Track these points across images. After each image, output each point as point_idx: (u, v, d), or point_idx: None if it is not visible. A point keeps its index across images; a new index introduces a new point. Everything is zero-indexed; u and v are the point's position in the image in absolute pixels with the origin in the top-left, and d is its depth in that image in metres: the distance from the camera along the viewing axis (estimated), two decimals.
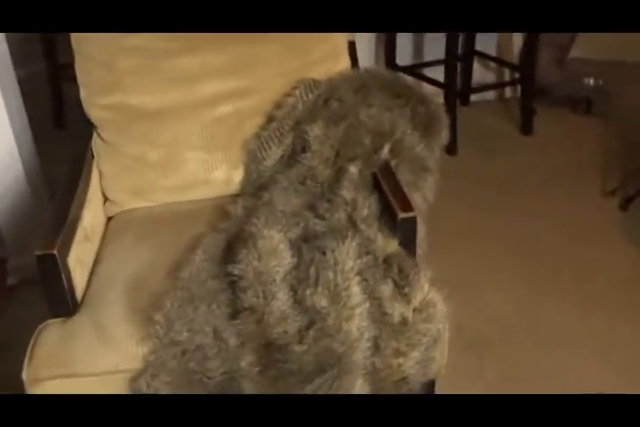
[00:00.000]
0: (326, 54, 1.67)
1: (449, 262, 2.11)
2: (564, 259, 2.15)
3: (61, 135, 2.69)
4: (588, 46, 2.92)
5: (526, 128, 2.90)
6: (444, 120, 1.73)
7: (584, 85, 3.00)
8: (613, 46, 2.74)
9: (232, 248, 1.33)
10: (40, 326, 1.23)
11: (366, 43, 2.82)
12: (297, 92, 1.56)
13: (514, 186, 2.54)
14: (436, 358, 1.27)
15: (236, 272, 1.22)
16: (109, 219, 1.55)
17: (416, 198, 1.53)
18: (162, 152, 1.54)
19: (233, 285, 1.23)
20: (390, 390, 1.21)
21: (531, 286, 2.05)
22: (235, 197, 1.60)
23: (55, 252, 1.18)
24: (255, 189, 1.56)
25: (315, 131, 1.51)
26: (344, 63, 1.69)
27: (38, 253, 1.17)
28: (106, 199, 1.56)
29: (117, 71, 1.50)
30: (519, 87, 2.97)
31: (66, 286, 1.21)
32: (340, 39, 1.69)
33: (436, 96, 2.79)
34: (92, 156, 1.55)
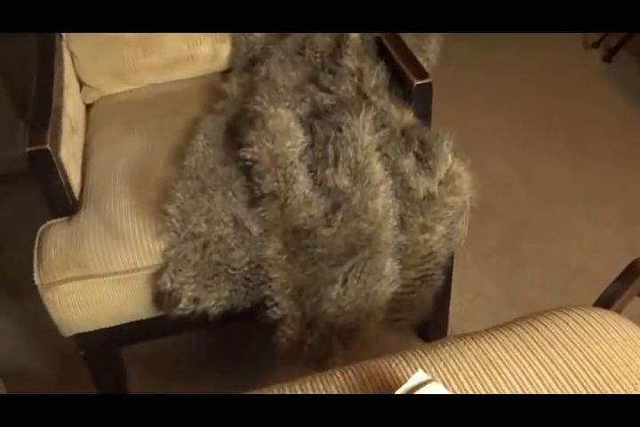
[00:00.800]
0: None
1: (438, 126, 2.07)
2: (553, 114, 2.13)
3: None
4: None
5: None
6: None
7: None
8: None
9: (237, 131, 1.23)
10: (41, 228, 1.14)
11: None
12: None
13: (494, 40, 2.43)
14: (461, 230, 1.24)
15: (249, 156, 1.13)
16: (88, 107, 1.41)
17: (420, 62, 1.42)
18: None
19: (247, 170, 1.14)
20: (418, 266, 1.18)
21: (524, 143, 2.04)
22: (224, 73, 1.46)
23: (48, 146, 1.05)
24: (247, 63, 1.42)
25: None
26: None
27: (29, 149, 1.05)
28: (82, 85, 1.40)
29: None
30: None
31: (63, 183, 1.10)
32: None
33: None
34: (60, 36, 1.36)
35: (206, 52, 1.43)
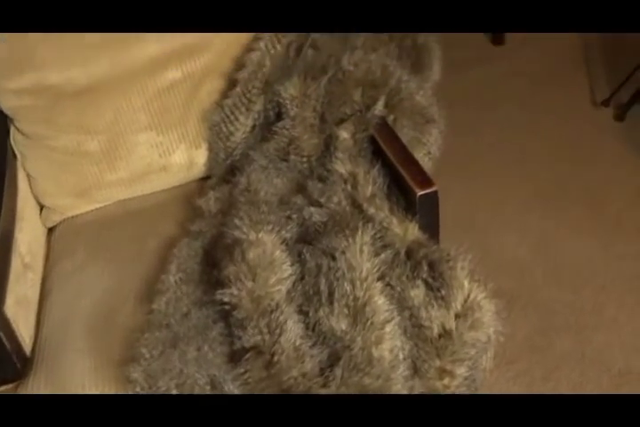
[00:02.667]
0: None
1: (446, 201, 1.91)
2: (568, 182, 1.95)
3: None
4: None
5: (497, 36, 2.61)
6: (436, 52, 1.44)
7: None
8: None
9: (214, 260, 1.06)
10: None
11: None
12: (261, 44, 1.23)
13: (495, 101, 2.30)
14: (486, 366, 1.04)
15: (226, 299, 0.95)
16: (51, 230, 1.25)
17: (420, 157, 1.26)
18: (102, 139, 1.22)
19: (225, 314, 0.96)
20: None
21: (540, 217, 1.85)
22: (202, 181, 1.30)
23: None
24: (226, 171, 1.26)
25: (290, 91, 1.21)
26: None
27: None
28: (42, 207, 1.25)
29: (26, 42, 1.14)
30: None
31: (8, 346, 0.93)
32: None
33: None
34: (14, 156, 1.21)
35: (180, 160, 1.28)
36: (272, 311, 0.93)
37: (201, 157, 1.29)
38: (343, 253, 1.00)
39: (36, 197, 1.24)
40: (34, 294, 1.09)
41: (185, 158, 1.28)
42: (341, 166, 1.16)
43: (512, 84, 2.40)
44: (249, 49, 1.24)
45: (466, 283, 1.00)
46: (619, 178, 1.95)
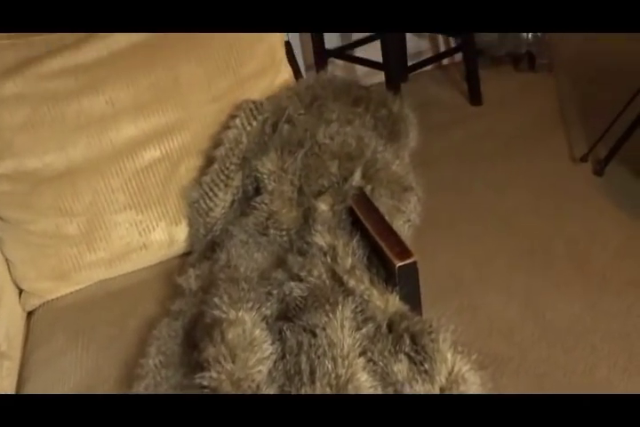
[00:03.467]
0: (263, 63, 1.37)
1: (429, 262, 1.90)
2: (553, 238, 1.96)
3: None
4: None
5: (475, 98, 2.69)
6: (411, 120, 1.47)
7: (523, 40, 2.85)
8: None
9: (194, 340, 1.04)
10: None
11: None
12: (237, 121, 1.25)
13: (475, 160, 2.35)
14: None
15: (205, 383, 0.93)
16: (30, 313, 1.23)
17: (400, 225, 1.27)
18: (81, 221, 1.22)
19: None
20: None
21: (527, 275, 1.84)
22: (182, 258, 1.30)
23: None
24: (206, 247, 1.26)
25: (267, 166, 1.22)
26: (285, 73, 1.39)
27: None
28: (21, 291, 1.24)
29: (2, 130, 1.16)
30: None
31: None
32: (274, 40, 1.39)
33: (374, 76, 2.56)
34: None
35: (161, 238, 1.28)
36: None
37: (181, 233, 1.30)
38: (324, 329, 0.99)
39: (14, 282, 1.23)
40: (10, 384, 1.07)
41: (165, 235, 1.28)
42: (321, 239, 1.16)
43: (491, 142, 2.45)
44: (225, 127, 1.27)
45: (449, 355, 0.98)
46: (601, 232, 1.96)
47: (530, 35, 2.82)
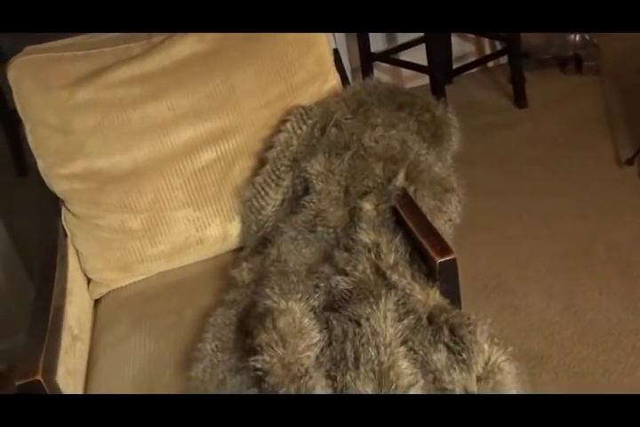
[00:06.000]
0: (312, 72, 1.44)
1: (469, 262, 1.94)
2: (596, 242, 1.96)
3: (25, 183, 2.46)
4: None
5: (520, 101, 2.69)
6: (454, 123, 1.52)
7: (570, 42, 2.82)
8: None
9: (247, 328, 1.13)
10: None
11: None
12: (288, 125, 1.33)
13: (519, 163, 2.34)
14: None
15: (259, 366, 1.01)
16: (97, 302, 1.34)
17: (441, 224, 1.33)
18: (144, 217, 1.32)
19: (258, 379, 1.02)
20: None
21: (568, 278, 1.86)
22: (235, 252, 1.39)
23: (39, 377, 0.96)
24: (258, 243, 1.35)
25: (316, 167, 1.30)
26: (333, 79, 1.47)
27: (19, 382, 0.96)
28: (89, 280, 1.34)
29: (75, 134, 1.27)
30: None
31: None
32: (323, 48, 1.46)
33: (418, 79, 2.59)
34: (65, 234, 1.33)
35: (216, 233, 1.37)
36: (301, 377, 0.99)
37: (235, 229, 1.38)
38: (368, 319, 1.06)
39: (84, 272, 1.34)
40: (82, 364, 1.17)
41: (220, 231, 1.37)
42: (365, 236, 1.23)
43: (536, 145, 2.46)
44: (277, 130, 1.35)
45: (486, 346, 1.04)
46: None
47: (577, 37, 2.80)
